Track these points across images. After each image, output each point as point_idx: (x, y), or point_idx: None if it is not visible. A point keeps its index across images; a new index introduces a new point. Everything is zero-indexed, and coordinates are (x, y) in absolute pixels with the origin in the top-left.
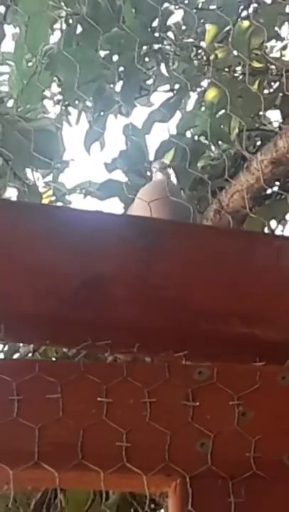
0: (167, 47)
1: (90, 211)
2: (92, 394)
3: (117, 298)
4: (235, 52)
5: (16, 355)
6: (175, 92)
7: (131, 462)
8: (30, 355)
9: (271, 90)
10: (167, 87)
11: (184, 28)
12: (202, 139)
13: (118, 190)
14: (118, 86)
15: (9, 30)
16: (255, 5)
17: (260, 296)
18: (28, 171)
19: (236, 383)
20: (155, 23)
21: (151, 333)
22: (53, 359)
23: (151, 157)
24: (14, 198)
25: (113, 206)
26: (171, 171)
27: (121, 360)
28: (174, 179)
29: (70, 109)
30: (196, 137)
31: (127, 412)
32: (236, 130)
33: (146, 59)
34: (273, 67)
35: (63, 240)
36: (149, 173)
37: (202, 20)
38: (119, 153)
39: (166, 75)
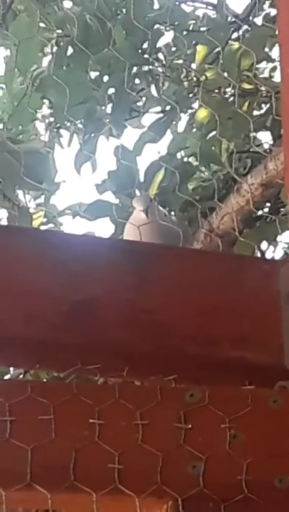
0: (158, 68)
1: (80, 235)
2: (85, 415)
3: (106, 322)
4: (225, 74)
5: (6, 376)
6: (165, 113)
7: (123, 484)
8: (21, 376)
9: (262, 112)
10: (158, 108)
11: (174, 49)
12: (193, 160)
13: (108, 210)
14: (109, 108)
15: (0, 52)
16: (246, 27)
17: (249, 320)
18: (20, 192)
19: (228, 406)
20: (145, 45)
21: (141, 356)
22: (44, 380)
23: (142, 178)
24: (4, 220)
25: (104, 228)
26: (155, 203)
27: (112, 382)
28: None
29: (61, 131)
30: (186, 159)
31: (119, 434)
32: (227, 152)
33: (137, 80)
34: (263, 88)
35: (53, 264)
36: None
37: (192, 42)
38: (108, 174)
39: (157, 96)
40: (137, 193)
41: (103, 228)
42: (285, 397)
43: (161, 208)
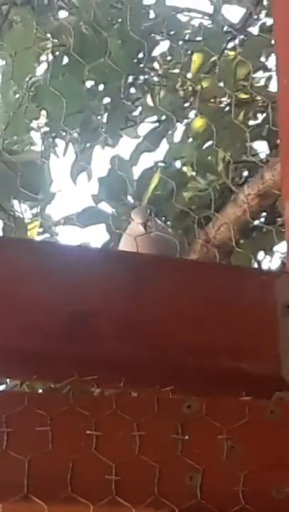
0: (153, 78)
1: (76, 245)
2: (82, 427)
3: (103, 333)
4: (221, 84)
5: (1, 387)
6: (161, 122)
7: (120, 495)
8: (17, 387)
9: (258, 121)
10: (153, 117)
11: (169, 58)
12: (189, 170)
13: (101, 218)
14: (104, 117)
15: None
16: (242, 36)
17: (247, 331)
18: (15, 202)
19: (225, 417)
20: (141, 54)
21: (138, 368)
22: (40, 391)
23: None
24: None
25: (98, 237)
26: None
27: (108, 393)
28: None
29: (57, 140)
30: (182, 168)
31: (116, 446)
32: (223, 162)
33: (132, 90)
34: (259, 98)
35: (49, 275)
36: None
37: (188, 51)
38: (99, 181)
39: (152, 105)
40: (131, 200)
41: (98, 237)
42: (283, 408)
43: (156, 220)
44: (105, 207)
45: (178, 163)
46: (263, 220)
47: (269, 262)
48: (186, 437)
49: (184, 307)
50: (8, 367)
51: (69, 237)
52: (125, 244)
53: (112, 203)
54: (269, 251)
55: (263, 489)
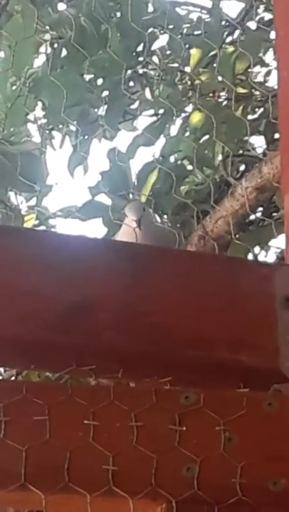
0: (152, 71)
1: (75, 236)
2: (79, 416)
3: (101, 323)
4: (219, 78)
5: None
6: (159, 116)
7: (117, 486)
8: (13, 378)
9: (255, 116)
10: (151, 111)
11: (168, 52)
12: (186, 163)
13: (101, 211)
14: (102, 110)
15: None
16: (240, 31)
17: (245, 323)
18: (12, 194)
19: (223, 409)
20: (140, 48)
21: (136, 358)
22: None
23: (135, 180)
24: None
25: (96, 230)
26: (149, 210)
27: (103, 383)
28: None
29: (53, 133)
30: (179, 162)
31: (113, 436)
32: (220, 155)
33: (131, 83)
34: (258, 92)
35: (48, 265)
36: (131, 196)
37: (187, 46)
38: (101, 175)
39: (151, 99)
40: (130, 195)
41: (95, 230)
42: (280, 400)
43: (154, 214)
44: (104, 200)
45: (175, 157)
46: (259, 214)
47: (264, 257)
48: (184, 428)
49: (183, 298)
50: (6, 356)
51: (66, 230)
52: (124, 235)
53: (112, 196)
54: (265, 245)
55: (260, 481)
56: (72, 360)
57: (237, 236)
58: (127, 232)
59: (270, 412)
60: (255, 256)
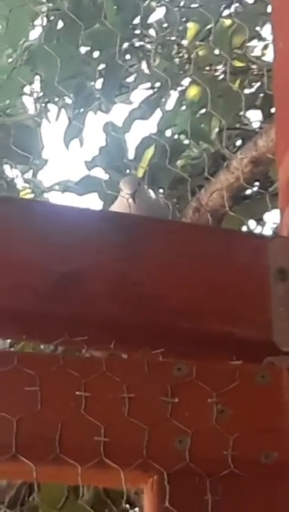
0: (148, 45)
1: (69, 206)
2: (71, 388)
3: (94, 294)
4: (216, 51)
5: None
6: (156, 89)
7: (109, 457)
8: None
9: (252, 90)
10: (148, 84)
11: (165, 25)
12: (182, 137)
13: (97, 186)
14: (98, 83)
15: None
16: (237, 4)
17: (238, 295)
18: (7, 168)
19: (215, 381)
20: (137, 20)
21: (129, 330)
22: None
23: (131, 155)
24: None
25: (92, 204)
26: (143, 186)
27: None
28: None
29: (49, 106)
30: (176, 136)
31: (105, 407)
32: (217, 129)
33: (127, 56)
34: (254, 66)
35: (41, 235)
36: (128, 171)
37: (184, 19)
38: (99, 150)
39: (147, 72)
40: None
41: (91, 205)
42: (273, 372)
43: (149, 189)
44: (99, 173)
45: (172, 131)
46: (255, 189)
47: (259, 232)
48: (176, 400)
49: (176, 269)
50: None
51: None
52: (118, 209)
53: (109, 170)
54: (260, 220)
55: (251, 454)
56: (64, 330)
57: (232, 209)
58: (122, 205)
59: (263, 384)
60: (250, 230)
